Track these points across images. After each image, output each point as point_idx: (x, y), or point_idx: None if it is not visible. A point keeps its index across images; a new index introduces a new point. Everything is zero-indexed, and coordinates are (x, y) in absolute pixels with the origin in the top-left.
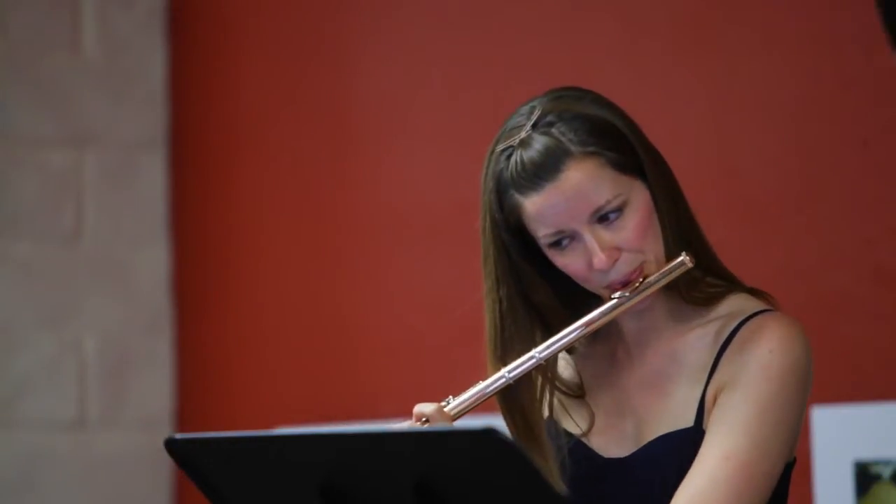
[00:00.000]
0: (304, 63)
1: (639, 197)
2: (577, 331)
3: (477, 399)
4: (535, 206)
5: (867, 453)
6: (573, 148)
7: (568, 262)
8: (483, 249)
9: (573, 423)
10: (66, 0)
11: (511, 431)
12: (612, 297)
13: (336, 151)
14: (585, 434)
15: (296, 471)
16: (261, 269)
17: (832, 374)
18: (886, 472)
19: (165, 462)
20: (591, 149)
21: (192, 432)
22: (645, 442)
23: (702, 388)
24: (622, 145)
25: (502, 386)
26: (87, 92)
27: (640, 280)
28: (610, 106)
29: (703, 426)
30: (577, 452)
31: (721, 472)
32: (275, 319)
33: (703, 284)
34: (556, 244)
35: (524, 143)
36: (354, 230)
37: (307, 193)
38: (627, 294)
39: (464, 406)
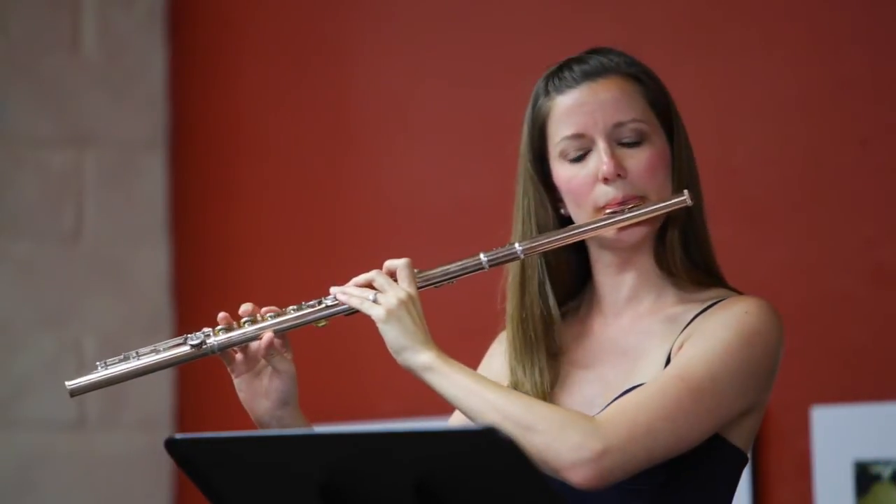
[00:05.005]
0: (304, 63)
1: (659, 142)
2: (564, 235)
3: (446, 273)
4: (567, 102)
5: (867, 453)
6: (622, 68)
7: (574, 173)
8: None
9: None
10: (66, 0)
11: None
12: (606, 212)
13: (336, 151)
14: (549, 392)
15: (296, 471)
16: (260, 268)
17: (832, 374)
18: (886, 472)
19: (165, 462)
20: (637, 74)
21: (192, 432)
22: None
23: (669, 345)
24: (661, 97)
25: (476, 269)
26: (86, 92)
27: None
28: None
29: None
30: None
31: (671, 387)
32: None
33: (696, 272)
34: (570, 155)
35: (578, 59)
36: (354, 229)
37: (307, 193)
38: (623, 211)
39: (431, 276)
